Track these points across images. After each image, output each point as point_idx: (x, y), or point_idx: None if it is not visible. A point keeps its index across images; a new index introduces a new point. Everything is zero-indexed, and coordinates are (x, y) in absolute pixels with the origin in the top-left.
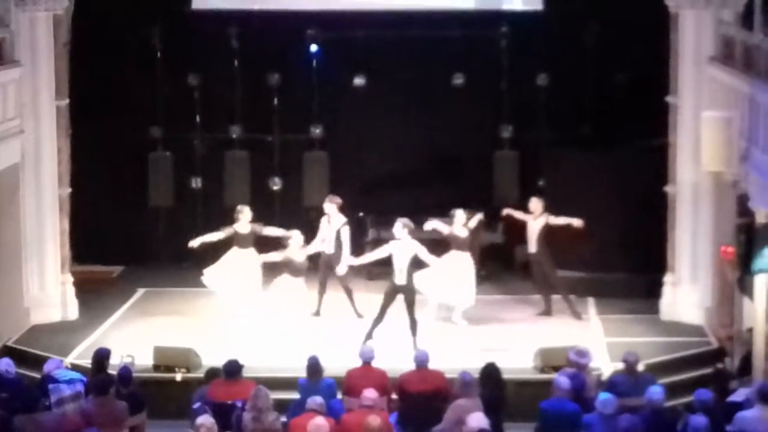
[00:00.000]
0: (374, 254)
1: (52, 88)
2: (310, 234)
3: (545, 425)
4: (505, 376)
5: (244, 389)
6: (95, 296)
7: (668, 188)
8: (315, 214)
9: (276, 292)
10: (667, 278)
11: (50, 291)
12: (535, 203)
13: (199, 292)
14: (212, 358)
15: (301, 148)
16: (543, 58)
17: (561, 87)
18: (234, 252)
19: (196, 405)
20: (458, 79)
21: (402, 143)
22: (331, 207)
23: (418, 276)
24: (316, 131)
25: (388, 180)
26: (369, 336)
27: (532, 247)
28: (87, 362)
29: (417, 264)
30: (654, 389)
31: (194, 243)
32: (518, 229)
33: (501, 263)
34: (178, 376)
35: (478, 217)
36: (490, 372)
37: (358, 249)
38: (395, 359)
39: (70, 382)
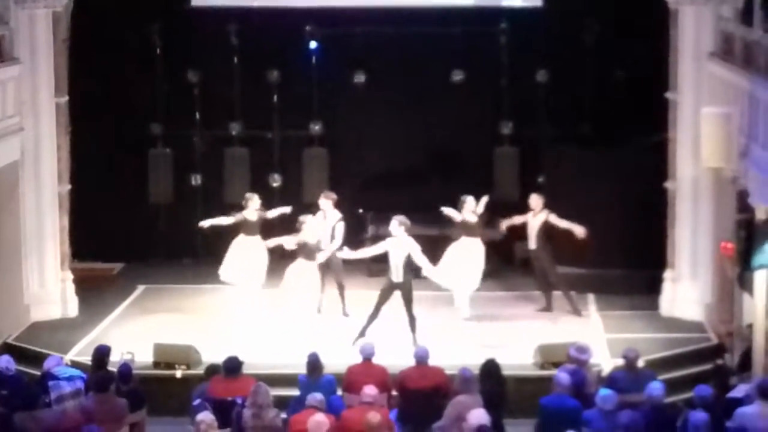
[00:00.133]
0: (370, 250)
1: (51, 86)
2: None
3: (545, 421)
4: (505, 372)
5: (244, 386)
6: (95, 293)
7: (668, 184)
8: (315, 211)
9: (291, 277)
10: (667, 274)
11: (50, 288)
12: (535, 200)
13: (199, 289)
14: (212, 354)
15: (300, 144)
16: (543, 55)
17: (561, 83)
18: (241, 239)
19: (196, 402)
20: (458, 76)
21: (402, 140)
22: (326, 203)
23: (436, 270)
24: (316, 128)
25: (387, 176)
26: (362, 333)
27: (532, 243)
28: (87, 359)
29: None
30: (654, 385)
31: (204, 224)
32: (518, 226)
33: (501, 259)
34: (178, 373)
35: (485, 199)
36: (491, 368)
37: (357, 245)
38: (395, 356)
39: (70, 379)
